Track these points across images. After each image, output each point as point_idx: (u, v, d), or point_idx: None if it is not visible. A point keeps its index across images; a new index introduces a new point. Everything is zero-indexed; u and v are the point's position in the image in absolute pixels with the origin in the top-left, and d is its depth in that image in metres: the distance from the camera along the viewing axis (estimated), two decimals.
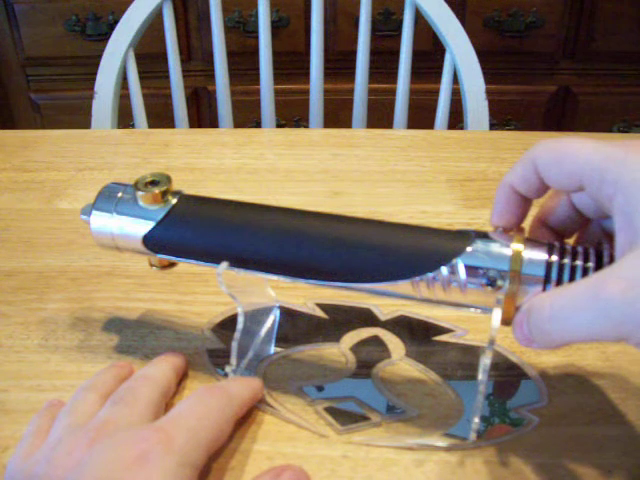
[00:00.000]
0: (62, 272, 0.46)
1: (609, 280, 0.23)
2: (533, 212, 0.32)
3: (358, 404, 0.34)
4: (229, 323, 0.40)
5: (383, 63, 1.15)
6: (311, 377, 0.36)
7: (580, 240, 0.32)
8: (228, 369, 0.35)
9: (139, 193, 0.34)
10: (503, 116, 1.50)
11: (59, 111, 1.53)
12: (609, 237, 0.30)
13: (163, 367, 0.34)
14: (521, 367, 0.37)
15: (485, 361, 0.29)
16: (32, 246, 0.49)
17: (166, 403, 0.33)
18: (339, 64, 1.31)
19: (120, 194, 0.35)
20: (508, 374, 0.36)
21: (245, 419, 0.33)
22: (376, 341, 0.39)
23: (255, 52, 0.94)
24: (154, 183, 0.34)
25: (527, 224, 0.32)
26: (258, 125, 1.44)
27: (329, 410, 0.34)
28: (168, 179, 0.34)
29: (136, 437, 0.27)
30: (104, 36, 1.41)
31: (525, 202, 0.30)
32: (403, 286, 0.30)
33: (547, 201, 0.32)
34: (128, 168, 0.62)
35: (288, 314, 0.41)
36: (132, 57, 0.87)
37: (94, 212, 0.35)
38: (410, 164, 0.62)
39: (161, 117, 1.10)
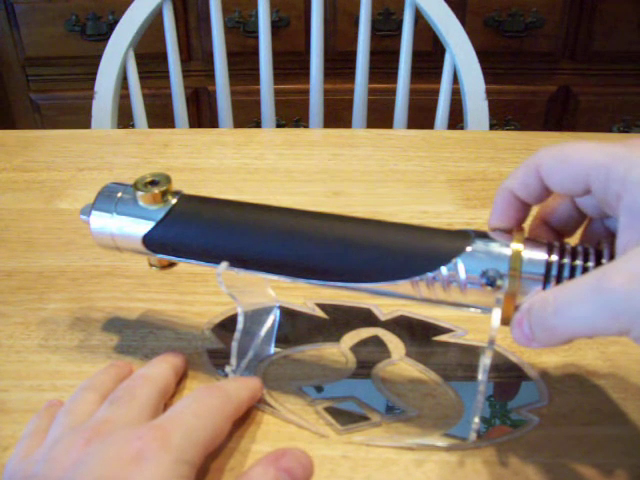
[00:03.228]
0: (62, 272, 0.46)
1: (612, 273, 0.23)
2: (533, 211, 0.32)
3: (358, 404, 0.34)
4: (229, 323, 0.40)
5: (383, 63, 1.15)
6: (311, 377, 0.36)
7: (583, 240, 0.32)
8: (228, 369, 0.35)
9: (139, 193, 0.34)
10: (503, 116, 1.50)
11: (59, 111, 1.53)
12: (610, 237, 0.30)
13: (162, 367, 0.34)
14: (521, 367, 0.37)
15: (485, 361, 0.29)
16: (32, 246, 0.49)
17: (165, 403, 0.33)
18: (339, 64, 1.31)
19: (120, 194, 0.35)
20: (508, 374, 0.36)
21: (245, 419, 0.33)
22: (376, 341, 0.39)
23: (255, 52, 0.94)
24: (154, 183, 0.34)
25: (527, 223, 0.32)
26: (258, 125, 1.44)
27: (329, 410, 0.34)
28: (168, 179, 0.34)
29: (132, 435, 0.27)
30: (104, 36, 1.41)
31: (524, 207, 0.30)
32: (403, 286, 0.30)
33: (549, 200, 0.32)
34: (128, 168, 0.62)
35: (288, 314, 0.41)
36: (132, 57, 0.87)
37: (94, 212, 0.35)
38: (410, 164, 0.62)
39: (161, 117, 1.10)
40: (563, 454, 0.31)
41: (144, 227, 0.34)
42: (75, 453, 0.27)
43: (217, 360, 0.37)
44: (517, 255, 0.28)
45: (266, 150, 0.66)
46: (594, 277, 0.24)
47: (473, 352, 0.38)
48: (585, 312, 0.24)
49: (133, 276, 0.45)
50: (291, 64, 1.38)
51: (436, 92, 0.90)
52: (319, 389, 0.35)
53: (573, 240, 0.32)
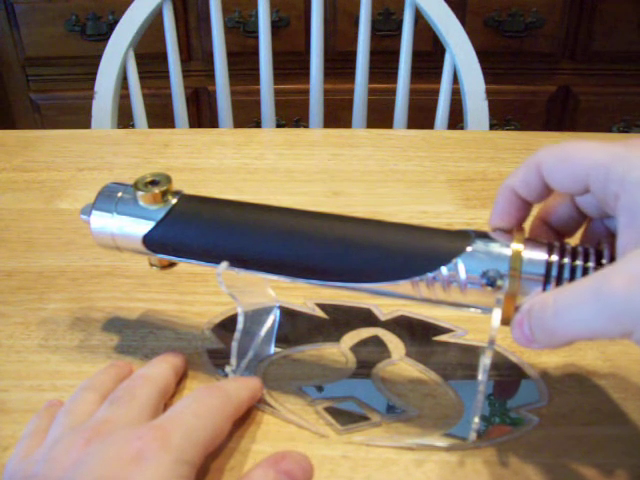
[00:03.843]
0: (62, 272, 0.46)
1: (613, 275, 0.23)
2: (534, 211, 0.32)
3: (358, 404, 0.34)
4: (229, 323, 0.40)
5: (383, 63, 1.15)
6: (311, 377, 0.36)
7: (584, 240, 0.32)
8: (228, 369, 0.35)
9: (139, 193, 0.34)
10: (503, 116, 1.50)
11: (59, 111, 1.53)
12: (611, 237, 0.30)
13: (162, 367, 0.34)
14: (521, 367, 0.37)
15: (485, 361, 0.29)
16: (32, 246, 0.49)
17: (165, 403, 0.33)
18: (339, 64, 1.31)
19: (120, 194, 0.35)
20: (508, 374, 0.36)
21: (245, 419, 0.33)
22: (376, 341, 0.39)
23: (255, 52, 0.94)
24: (154, 183, 0.34)
25: (527, 224, 0.32)
26: (258, 125, 1.44)
27: (329, 410, 0.34)
28: (168, 179, 0.34)
29: (132, 435, 0.27)
30: (104, 36, 1.41)
31: (525, 206, 0.30)
32: (403, 286, 0.30)
33: (549, 200, 0.32)
34: (128, 168, 0.62)
35: (288, 314, 0.41)
36: (132, 57, 0.87)
37: (94, 212, 0.35)
38: (410, 164, 0.62)
39: (161, 117, 1.10)
40: (563, 454, 0.31)
41: (144, 227, 0.34)
42: (75, 453, 0.27)
43: (217, 360, 0.37)
44: (517, 255, 0.28)
45: (266, 150, 0.66)
46: (594, 279, 0.24)
47: (473, 352, 0.38)
48: (585, 315, 0.24)
49: (133, 276, 0.45)
50: (291, 64, 1.38)
51: (436, 92, 0.90)
52: (319, 389, 0.35)
53: (573, 240, 0.32)
